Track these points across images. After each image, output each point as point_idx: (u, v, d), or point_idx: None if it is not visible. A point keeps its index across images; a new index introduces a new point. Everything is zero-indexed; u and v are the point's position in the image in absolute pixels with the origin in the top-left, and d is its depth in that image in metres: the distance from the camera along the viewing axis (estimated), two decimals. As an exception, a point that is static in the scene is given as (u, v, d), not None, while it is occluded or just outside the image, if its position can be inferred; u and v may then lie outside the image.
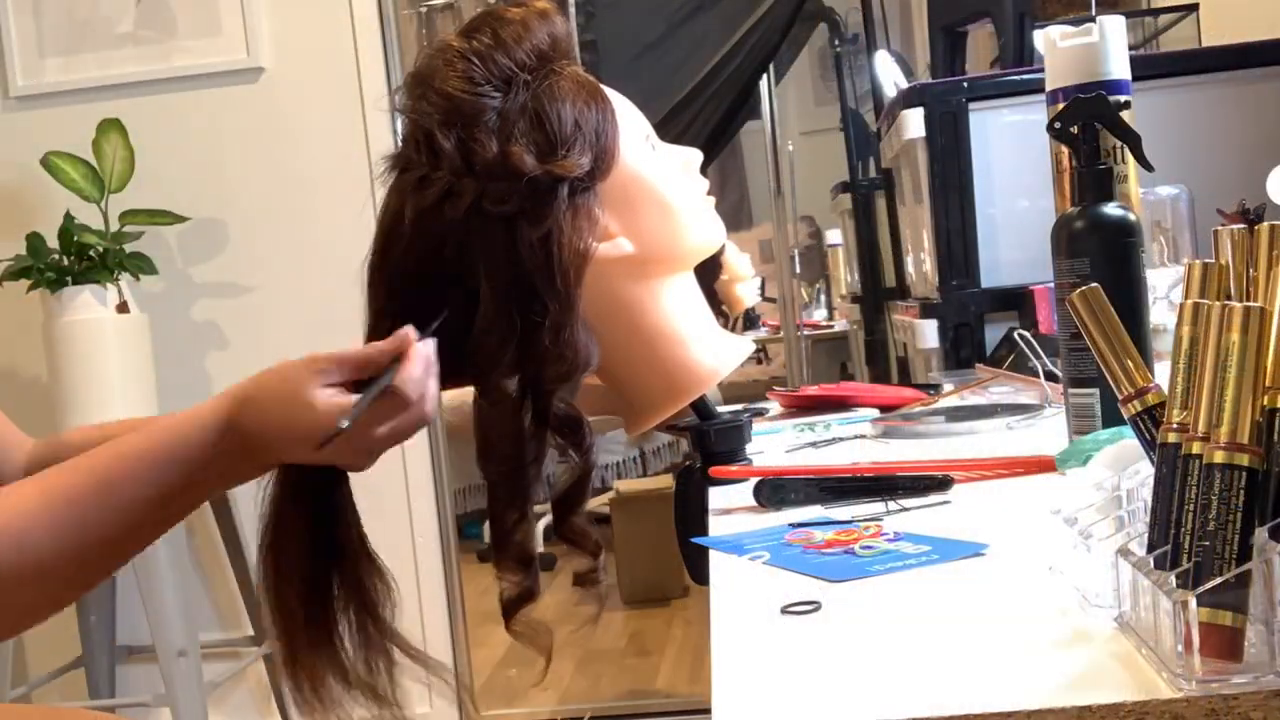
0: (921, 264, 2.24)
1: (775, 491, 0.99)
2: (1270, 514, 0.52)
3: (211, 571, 3.03)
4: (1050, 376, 1.35)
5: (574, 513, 0.96)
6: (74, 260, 2.70)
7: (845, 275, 4.46)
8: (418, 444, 2.87)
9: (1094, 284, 0.67)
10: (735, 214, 5.54)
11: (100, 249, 2.70)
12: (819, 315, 5.40)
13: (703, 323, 1.06)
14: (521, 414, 0.93)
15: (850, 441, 1.32)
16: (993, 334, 1.95)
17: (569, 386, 0.94)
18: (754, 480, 1.02)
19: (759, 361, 5.00)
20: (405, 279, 0.95)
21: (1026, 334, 1.42)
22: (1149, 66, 1.87)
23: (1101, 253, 0.99)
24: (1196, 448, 0.54)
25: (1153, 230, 1.58)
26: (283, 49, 2.94)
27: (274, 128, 2.95)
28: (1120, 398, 0.65)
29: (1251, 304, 0.53)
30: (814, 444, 1.32)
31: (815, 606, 0.69)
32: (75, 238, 2.68)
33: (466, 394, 0.96)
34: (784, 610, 0.69)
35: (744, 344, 1.11)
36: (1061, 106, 1.04)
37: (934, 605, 0.69)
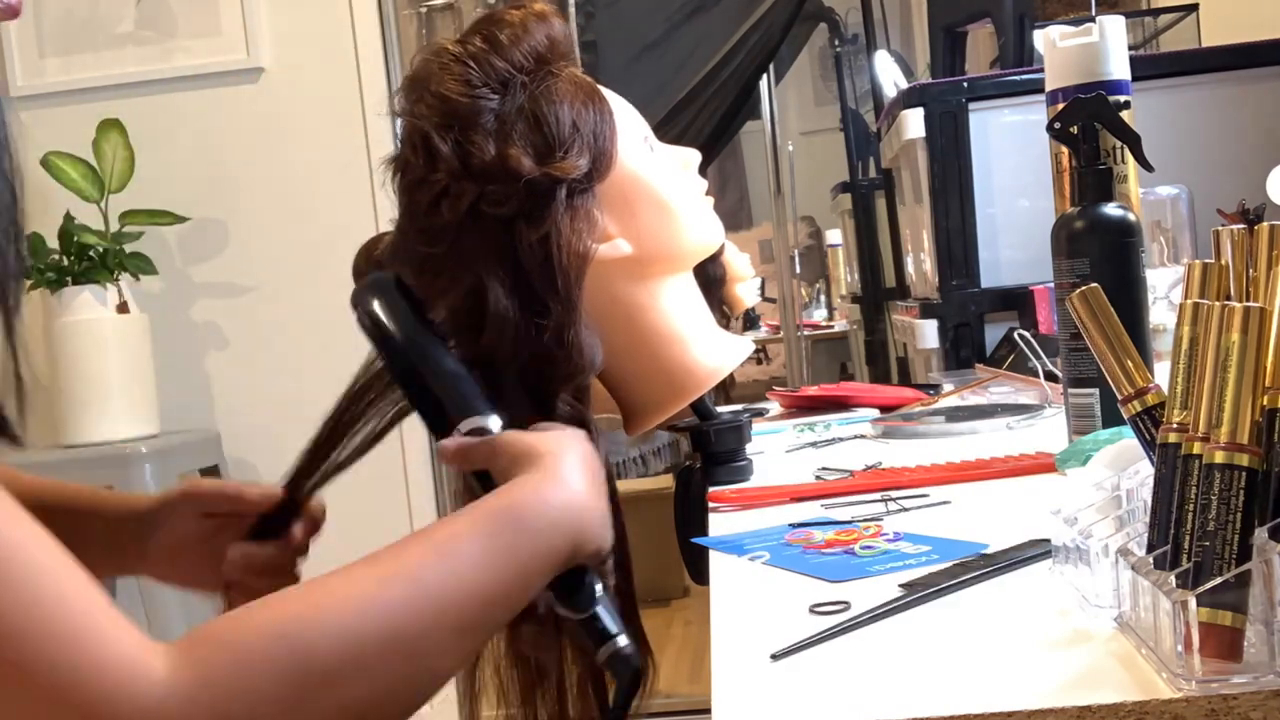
0: (921, 264, 2.24)
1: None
2: (1270, 514, 0.52)
3: (211, 572, 3.02)
4: (1050, 376, 1.35)
5: None
6: (74, 260, 2.70)
7: (845, 275, 4.46)
8: (418, 444, 2.87)
9: (1094, 284, 0.67)
10: (735, 214, 5.54)
11: (100, 249, 2.71)
12: (819, 315, 5.40)
13: (702, 323, 1.06)
14: (526, 418, 0.92)
15: (850, 441, 1.32)
16: (993, 334, 1.95)
17: (575, 389, 0.93)
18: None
19: (759, 361, 5.00)
20: (407, 277, 0.95)
21: (1026, 334, 1.42)
22: (1149, 66, 1.87)
23: (1101, 253, 0.99)
24: (1196, 448, 0.54)
25: (1153, 230, 1.58)
26: (283, 49, 2.95)
27: (274, 128, 2.95)
28: (1120, 398, 0.65)
29: (1251, 304, 0.53)
30: (814, 444, 1.32)
31: (845, 606, 0.69)
32: (75, 238, 2.68)
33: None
34: (812, 609, 0.69)
35: (744, 344, 1.11)
36: (1061, 106, 1.04)
37: (934, 605, 0.68)
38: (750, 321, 4.94)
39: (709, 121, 2.98)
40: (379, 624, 0.59)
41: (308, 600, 0.59)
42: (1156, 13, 2.43)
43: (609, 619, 0.75)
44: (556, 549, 0.71)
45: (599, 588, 0.75)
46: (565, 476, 0.74)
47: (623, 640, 0.75)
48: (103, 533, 0.92)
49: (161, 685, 0.52)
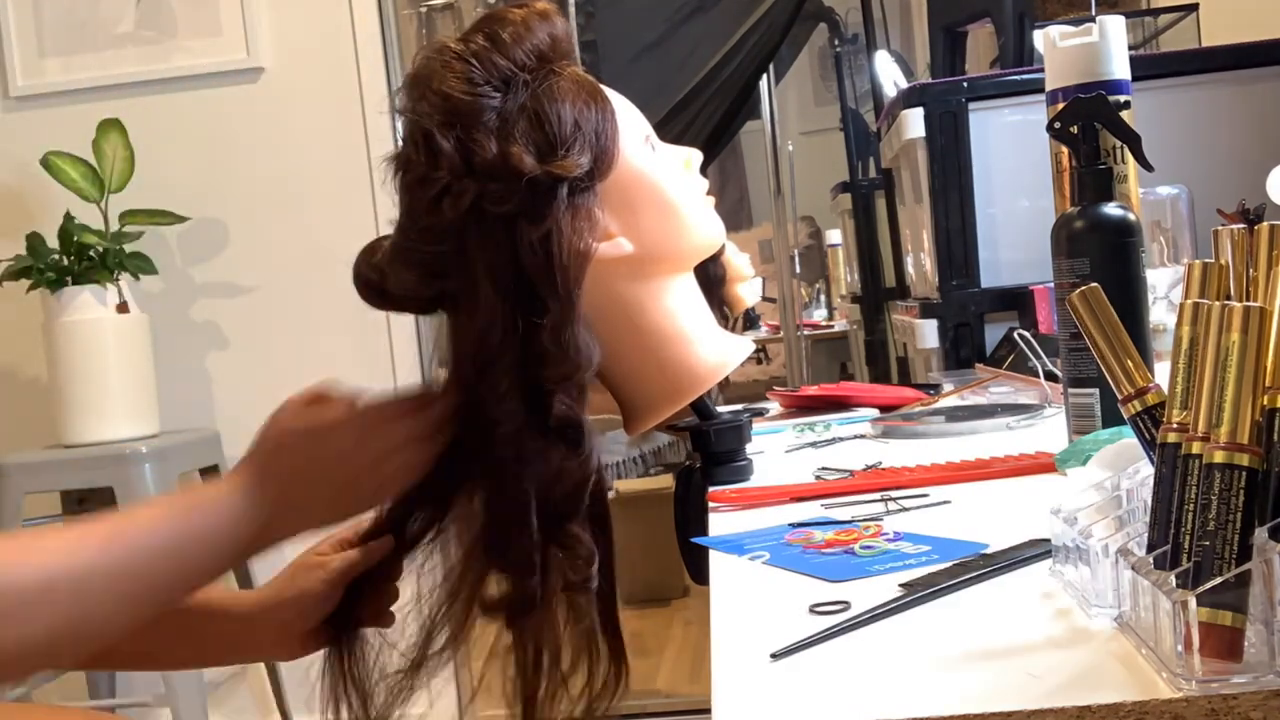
0: (921, 264, 2.24)
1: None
2: (1270, 514, 0.52)
3: (211, 571, 3.02)
4: (1050, 376, 1.35)
5: (570, 519, 0.95)
6: (74, 260, 2.70)
7: (845, 275, 4.45)
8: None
9: (1094, 284, 0.67)
10: (735, 214, 5.53)
11: (100, 249, 2.71)
12: (819, 315, 5.40)
13: (703, 322, 1.06)
14: (521, 416, 0.92)
15: (850, 441, 1.32)
16: (993, 334, 1.95)
17: (573, 388, 0.93)
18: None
19: (759, 361, 5.00)
20: (409, 278, 0.95)
21: (1026, 334, 1.42)
22: (1149, 66, 1.87)
23: (1101, 253, 0.99)
24: (1196, 448, 0.54)
25: (1153, 230, 1.58)
26: (283, 49, 2.95)
27: (274, 128, 2.95)
28: (1120, 398, 0.65)
29: (1251, 304, 0.53)
30: (814, 444, 1.32)
31: (845, 606, 0.69)
32: (75, 238, 2.68)
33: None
34: (812, 609, 0.69)
35: (744, 344, 1.11)
36: (1061, 106, 1.04)
37: (934, 605, 0.69)
38: (750, 321, 4.94)
39: (709, 121, 2.98)
40: (35, 575, 0.73)
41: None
42: (1156, 13, 2.43)
43: None
44: (221, 538, 0.83)
45: None
46: (253, 493, 0.85)
47: None
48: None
49: None
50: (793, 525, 0.91)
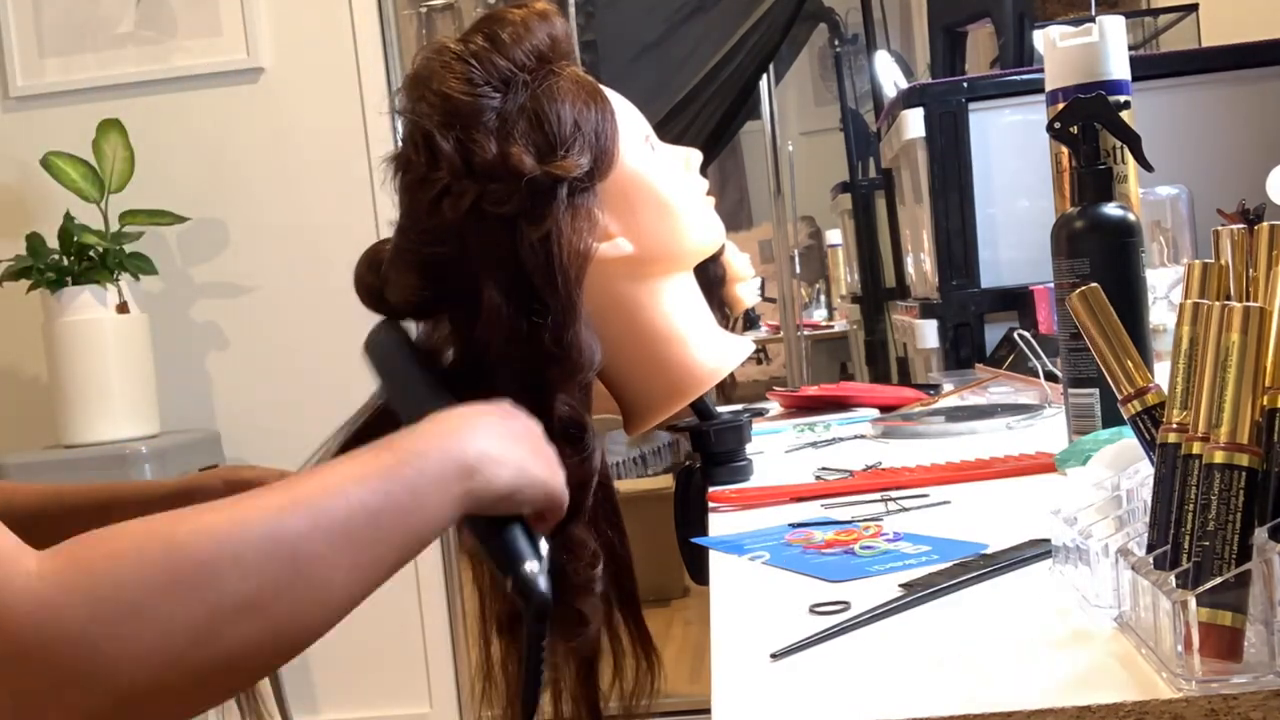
0: (921, 264, 2.24)
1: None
2: (1270, 514, 0.52)
3: (211, 571, 3.02)
4: (1050, 376, 1.35)
5: (572, 521, 0.94)
6: (74, 260, 2.70)
7: (845, 275, 4.45)
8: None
9: (1094, 284, 0.67)
10: (735, 214, 5.53)
11: (100, 249, 2.71)
12: (819, 315, 5.40)
13: (702, 323, 1.06)
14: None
15: (850, 441, 1.32)
16: (993, 334, 1.95)
17: (576, 388, 0.93)
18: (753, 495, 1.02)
19: (759, 361, 5.00)
20: (410, 281, 0.95)
21: (1026, 334, 1.42)
22: (1149, 66, 1.87)
23: (1101, 253, 0.99)
24: (1196, 448, 0.54)
25: (1153, 230, 1.58)
26: (283, 49, 2.95)
27: (274, 128, 2.95)
28: (1120, 398, 0.65)
29: (1251, 304, 0.53)
30: (814, 444, 1.32)
31: (845, 606, 0.69)
32: (75, 238, 2.68)
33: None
34: (812, 609, 0.69)
35: (744, 344, 1.11)
36: (1061, 106, 1.04)
37: (934, 605, 0.69)
38: (750, 321, 4.94)
39: (709, 121, 2.98)
40: (253, 527, 0.60)
41: (180, 512, 0.60)
42: (1156, 13, 2.43)
43: (519, 546, 0.73)
44: (445, 473, 0.69)
45: (518, 529, 0.74)
46: (454, 423, 0.73)
47: (530, 566, 0.72)
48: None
49: (32, 572, 0.53)
50: (793, 525, 0.91)
